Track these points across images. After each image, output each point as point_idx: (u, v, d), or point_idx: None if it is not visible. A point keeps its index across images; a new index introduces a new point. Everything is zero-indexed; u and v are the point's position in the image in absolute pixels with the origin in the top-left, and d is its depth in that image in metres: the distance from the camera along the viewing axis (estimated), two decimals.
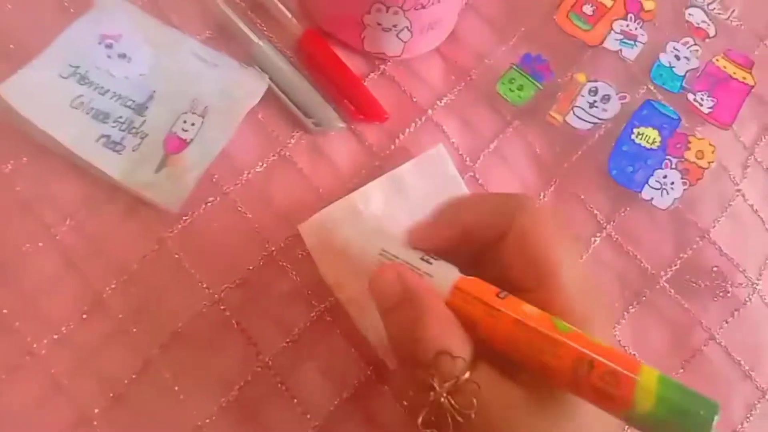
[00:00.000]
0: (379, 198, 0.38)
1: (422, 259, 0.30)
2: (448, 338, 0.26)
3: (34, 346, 0.35)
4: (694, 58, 0.45)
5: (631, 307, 0.40)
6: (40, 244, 0.36)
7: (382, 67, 0.43)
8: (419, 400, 0.25)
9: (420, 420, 0.25)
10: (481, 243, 0.29)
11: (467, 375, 0.25)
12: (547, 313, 0.26)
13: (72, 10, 0.39)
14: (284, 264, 0.38)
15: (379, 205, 0.38)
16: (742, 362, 0.40)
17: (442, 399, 0.24)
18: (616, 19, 0.44)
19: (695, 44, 0.45)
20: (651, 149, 0.42)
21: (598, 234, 0.41)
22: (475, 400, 0.24)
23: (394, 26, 0.39)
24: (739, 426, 0.39)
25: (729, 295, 0.41)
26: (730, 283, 0.41)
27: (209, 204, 0.38)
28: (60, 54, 0.38)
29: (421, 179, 0.39)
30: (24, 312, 0.35)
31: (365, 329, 0.36)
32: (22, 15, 0.40)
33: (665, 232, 0.42)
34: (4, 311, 0.35)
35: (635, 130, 0.42)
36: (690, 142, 0.43)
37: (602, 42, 0.44)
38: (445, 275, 0.29)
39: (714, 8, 0.46)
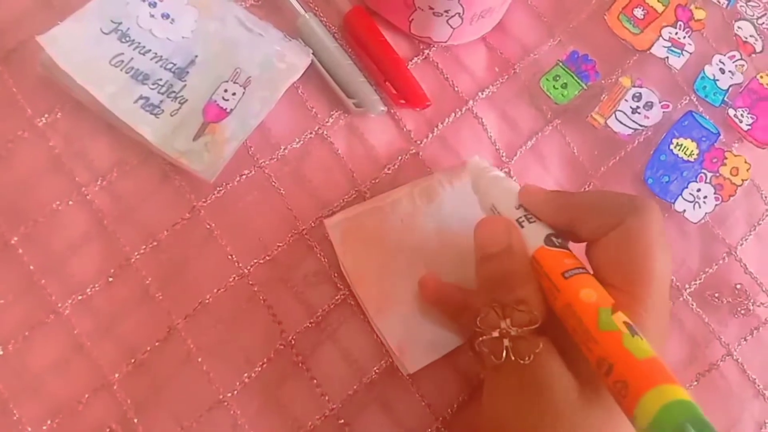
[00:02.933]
0: (408, 204, 0.38)
1: (518, 219, 0.32)
2: (532, 296, 0.29)
3: (59, 305, 0.35)
4: (739, 72, 0.45)
5: None
6: (70, 203, 0.36)
7: (426, 51, 0.43)
8: (482, 333, 0.29)
9: (476, 345, 0.29)
10: (581, 237, 0.31)
11: (534, 327, 0.28)
12: (607, 305, 0.27)
13: None
14: (313, 244, 0.38)
15: (406, 211, 0.38)
16: (757, 381, 0.41)
17: (506, 340, 0.28)
18: (665, 26, 0.44)
19: (741, 59, 0.45)
20: (688, 161, 0.42)
21: None
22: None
23: (446, 11, 0.39)
24: None
25: (750, 313, 0.42)
26: (752, 301, 0.42)
27: (244, 176, 0.38)
28: (103, 8, 0.37)
29: (451, 189, 0.39)
30: (50, 270, 0.35)
31: (383, 330, 0.36)
32: None
33: (693, 246, 0.42)
34: (31, 267, 0.35)
35: (674, 141, 0.43)
36: (726, 158, 0.43)
37: (650, 48, 0.44)
38: (529, 241, 0.31)
39: (764, 23, 0.46)
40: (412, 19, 0.41)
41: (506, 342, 0.28)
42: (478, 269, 0.32)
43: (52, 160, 0.37)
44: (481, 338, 0.29)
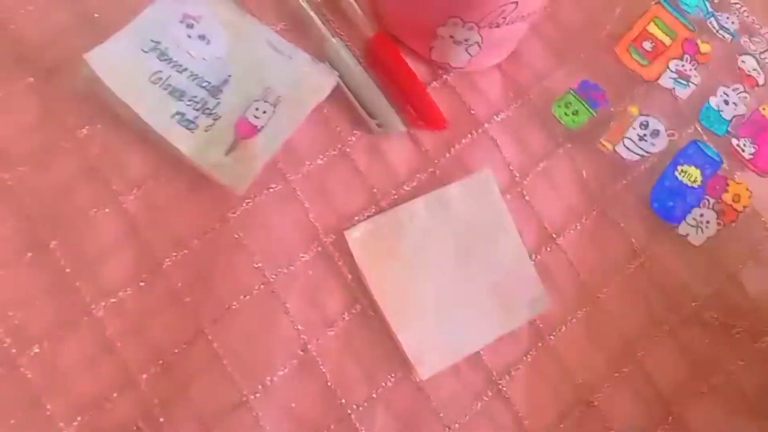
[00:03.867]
0: (425, 214, 0.41)
1: None
2: None
3: (92, 307, 0.37)
4: (742, 104, 0.47)
5: (655, 334, 0.43)
6: (107, 210, 0.39)
7: (444, 76, 0.45)
8: None
9: None
10: None
11: None
12: None
13: None
14: (334, 255, 0.40)
15: (424, 221, 0.41)
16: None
17: None
18: (673, 59, 0.47)
19: (744, 91, 0.48)
20: (692, 187, 0.45)
21: (633, 261, 0.44)
22: None
23: (466, 40, 0.42)
24: None
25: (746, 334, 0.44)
26: (749, 323, 0.44)
27: (271, 189, 0.40)
28: (143, 29, 0.40)
29: (465, 200, 0.42)
30: (85, 273, 0.38)
31: (402, 339, 0.39)
32: None
33: (695, 268, 0.44)
34: (67, 270, 0.37)
35: (679, 167, 0.45)
36: (728, 185, 0.45)
37: (658, 78, 0.46)
38: None
39: (766, 57, 0.49)
40: (433, 47, 0.44)
41: None
42: None
43: (91, 169, 0.39)
44: None
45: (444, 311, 0.39)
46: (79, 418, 0.36)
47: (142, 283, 0.38)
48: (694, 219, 0.45)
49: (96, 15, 0.41)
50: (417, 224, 0.41)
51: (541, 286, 0.42)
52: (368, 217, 0.41)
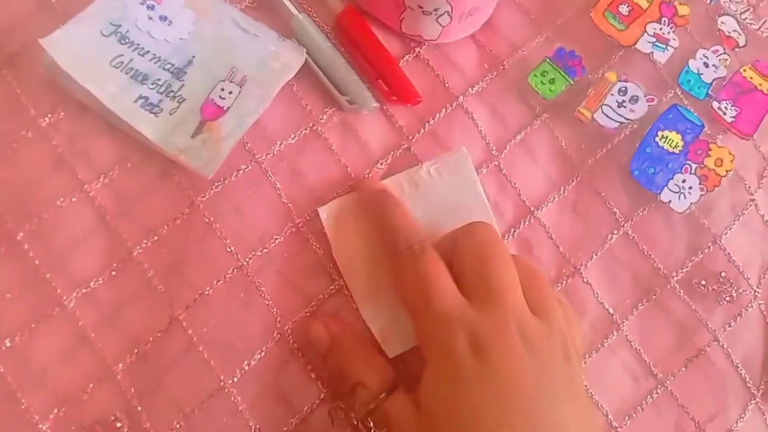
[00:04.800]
0: (396, 193, 0.41)
1: None
2: (364, 374, 0.35)
3: (64, 298, 0.37)
4: (723, 66, 0.47)
5: (640, 304, 0.43)
6: (74, 200, 0.38)
7: (417, 50, 0.45)
8: (347, 422, 0.33)
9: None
10: None
11: (380, 399, 0.33)
12: None
13: None
14: (308, 236, 0.40)
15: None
16: (739, 365, 0.43)
17: (355, 422, 0.33)
18: (650, 22, 0.47)
19: (724, 53, 0.47)
20: (673, 153, 0.45)
21: (616, 231, 0.44)
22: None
23: (435, 10, 0.41)
24: (734, 425, 0.42)
25: (734, 300, 0.44)
26: (735, 289, 0.44)
27: (241, 171, 0.40)
28: (102, 11, 0.40)
29: (439, 179, 0.42)
30: (55, 265, 0.37)
31: (367, 317, 0.39)
32: None
33: (680, 235, 0.45)
34: (36, 262, 0.37)
35: (660, 133, 0.45)
36: (711, 150, 0.45)
37: (635, 43, 0.46)
38: None
39: (746, 18, 0.49)
40: (403, 18, 0.43)
41: (359, 425, 0.33)
42: (325, 372, 0.38)
43: (56, 158, 0.39)
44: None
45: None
46: (55, 411, 0.36)
47: (113, 273, 0.38)
48: (677, 185, 0.44)
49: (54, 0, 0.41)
50: None
51: None
52: (342, 196, 0.41)
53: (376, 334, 0.38)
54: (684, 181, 0.45)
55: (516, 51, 0.46)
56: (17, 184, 0.38)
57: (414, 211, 0.41)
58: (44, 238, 0.38)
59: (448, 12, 0.42)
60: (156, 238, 0.39)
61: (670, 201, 0.44)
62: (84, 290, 0.37)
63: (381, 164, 0.42)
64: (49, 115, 0.39)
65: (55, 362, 0.37)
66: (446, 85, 0.44)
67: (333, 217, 0.40)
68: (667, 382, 0.43)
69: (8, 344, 0.36)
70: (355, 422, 0.33)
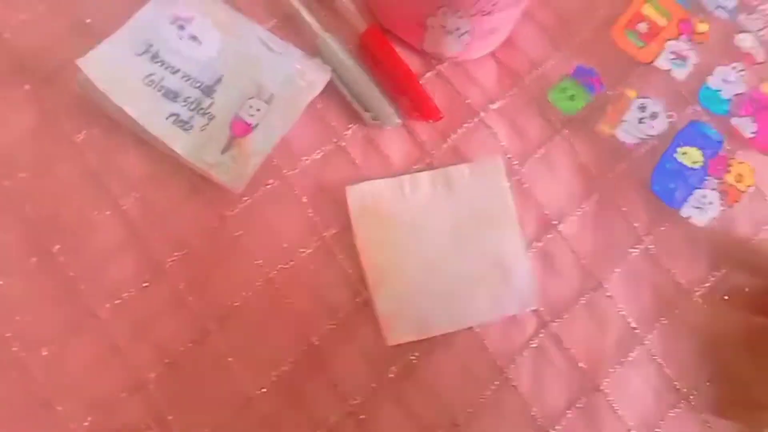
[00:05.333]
0: (428, 188, 0.43)
1: None
2: None
3: (96, 309, 0.39)
4: (741, 82, 0.48)
5: (663, 318, 0.44)
6: (108, 213, 0.40)
7: (438, 67, 0.46)
8: None
9: None
10: None
11: None
12: None
13: None
14: (335, 249, 0.41)
15: (425, 195, 0.42)
16: None
17: None
18: (669, 39, 0.48)
19: (743, 69, 0.48)
20: (693, 168, 0.45)
21: (637, 245, 0.44)
22: None
23: (457, 29, 0.43)
24: None
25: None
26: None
27: (269, 186, 0.41)
28: (135, 32, 0.41)
29: (472, 183, 0.43)
30: (89, 276, 0.39)
31: (375, 300, 0.40)
32: None
33: (701, 250, 0.45)
34: (71, 274, 0.39)
35: (679, 149, 0.45)
36: (731, 165, 0.46)
37: (654, 60, 0.47)
38: None
39: (763, 34, 0.49)
40: (425, 37, 0.44)
41: None
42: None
43: (89, 173, 0.40)
44: None
45: (426, 285, 0.41)
46: (89, 419, 0.37)
47: (145, 284, 0.39)
48: (697, 200, 0.45)
49: (88, 20, 0.42)
50: (418, 196, 0.43)
51: (535, 283, 0.43)
52: None
53: (381, 319, 0.40)
54: (704, 196, 0.45)
55: (535, 67, 0.47)
56: (52, 198, 0.40)
57: (442, 209, 0.42)
58: (78, 251, 0.39)
59: (469, 31, 0.43)
60: (186, 251, 0.40)
61: (690, 216, 0.45)
62: (116, 301, 0.39)
63: None
64: (84, 132, 0.41)
65: (88, 371, 0.38)
66: (467, 101, 0.46)
67: (360, 198, 0.42)
68: (690, 397, 0.43)
69: (44, 353, 0.38)
70: None
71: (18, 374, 0.37)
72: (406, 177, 0.43)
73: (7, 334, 0.37)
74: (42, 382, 0.37)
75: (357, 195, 0.41)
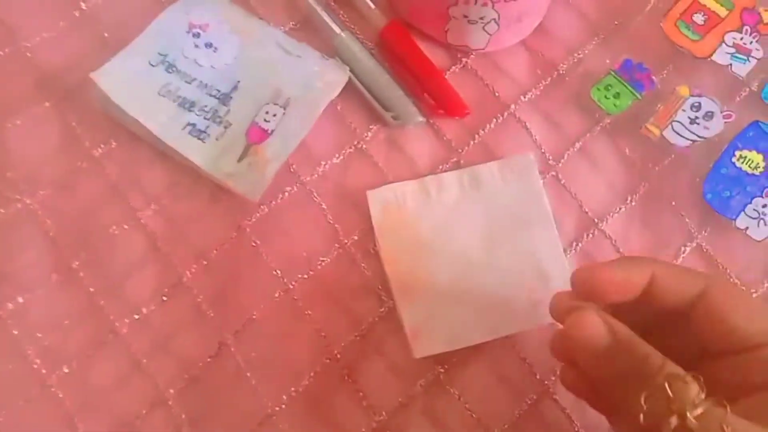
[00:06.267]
0: (455, 189, 0.40)
1: None
2: (674, 367, 0.27)
3: (117, 324, 0.38)
4: None
5: None
6: (126, 227, 0.40)
7: (464, 60, 0.44)
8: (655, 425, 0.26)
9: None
10: (664, 305, 0.30)
11: (702, 396, 0.25)
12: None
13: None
14: (356, 257, 0.40)
15: (452, 196, 0.40)
16: None
17: (690, 421, 0.25)
18: (729, 31, 0.44)
19: None
20: (752, 175, 0.41)
21: (689, 243, 0.41)
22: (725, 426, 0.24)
23: (481, 18, 0.41)
24: None
25: None
26: None
27: (287, 193, 0.40)
28: (150, 42, 0.41)
29: (502, 182, 0.40)
30: (109, 291, 0.39)
31: (400, 310, 0.38)
32: (116, 3, 0.43)
33: (759, 250, 0.41)
34: (91, 290, 0.39)
35: (737, 153, 0.41)
36: None
37: (711, 54, 0.43)
38: None
39: None
40: (448, 29, 0.42)
41: (694, 425, 0.25)
42: (601, 370, 0.29)
43: (109, 187, 0.40)
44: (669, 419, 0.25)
45: (457, 293, 0.38)
46: None
47: (164, 298, 0.39)
48: (756, 210, 0.41)
49: (105, 35, 0.43)
50: (444, 198, 0.40)
51: None
52: None
53: (408, 330, 0.38)
54: (765, 206, 0.41)
55: (571, 54, 0.44)
56: (72, 213, 0.40)
57: (472, 210, 0.40)
58: (98, 266, 0.39)
59: (495, 19, 0.41)
60: (205, 262, 0.39)
61: (747, 228, 0.41)
62: (136, 316, 0.39)
63: None
64: (102, 146, 0.41)
65: (109, 387, 0.38)
66: (496, 94, 0.43)
67: (382, 202, 0.40)
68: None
69: (66, 370, 0.38)
70: (689, 422, 0.25)
71: (39, 391, 0.37)
72: (431, 177, 0.40)
73: (29, 351, 0.37)
74: (64, 400, 0.37)
75: (378, 199, 0.40)
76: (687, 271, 0.30)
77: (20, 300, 0.38)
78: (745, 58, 0.43)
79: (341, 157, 0.41)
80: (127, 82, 0.40)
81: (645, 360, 0.27)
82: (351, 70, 0.42)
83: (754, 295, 0.40)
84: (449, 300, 0.38)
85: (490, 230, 0.40)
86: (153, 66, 0.41)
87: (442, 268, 0.39)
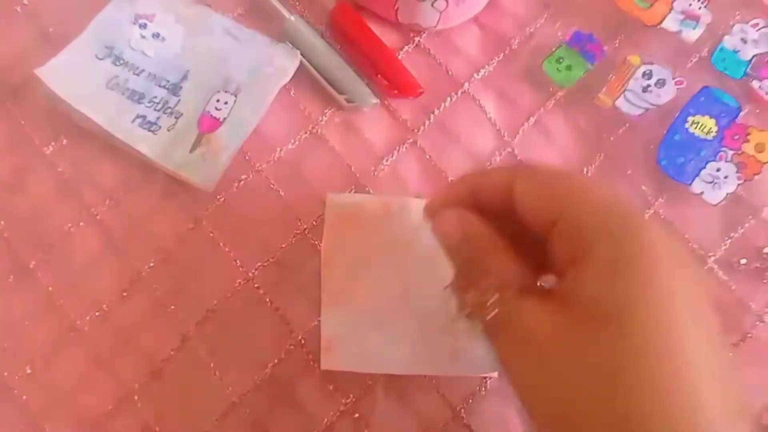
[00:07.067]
0: (416, 217, 0.38)
1: None
2: (498, 264, 0.29)
3: (77, 322, 0.38)
4: (764, 41, 0.44)
5: None
6: (82, 224, 0.40)
7: (416, 39, 0.44)
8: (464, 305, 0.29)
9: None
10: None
11: (497, 297, 0.28)
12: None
13: None
14: (315, 242, 0.40)
15: (413, 222, 0.39)
16: None
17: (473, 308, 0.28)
18: None
19: (766, 26, 0.44)
20: (705, 140, 0.42)
21: (646, 211, 0.42)
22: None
23: None
24: None
25: None
26: None
27: (242, 182, 0.40)
28: (96, 35, 0.41)
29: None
30: (67, 290, 0.39)
31: (324, 319, 0.38)
32: None
33: (715, 212, 0.42)
34: (50, 289, 0.39)
35: (690, 119, 0.42)
36: (750, 134, 0.42)
37: (661, 22, 0.43)
38: None
39: None
40: (398, 8, 0.42)
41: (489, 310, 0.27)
42: (451, 260, 0.32)
43: (61, 185, 0.40)
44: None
45: (381, 318, 0.37)
46: None
47: (124, 293, 0.39)
48: (710, 175, 0.41)
49: (51, 29, 0.42)
50: (404, 221, 0.39)
51: None
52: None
53: (323, 340, 0.38)
54: (718, 169, 0.41)
55: (523, 29, 0.45)
56: (26, 213, 0.40)
57: (427, 243, 0.34)
58: (56, 265, 0.39)
59: None
60: (163, 256, 0.39)
61: (702, 192, 0.41)
62: (97, 313, 0.39)
63: (387, 161, 0.42)
64: (53, 143, 0.40)
65: (73, 386, 0.38)
66: (450, 72, 0.43)
67: (338, 209, 0.39)
68: None
69: (28, 371, 0.38)
70: (474, 308, 0.28)
71: (2, 395, 0.37)
72: (396, 199, 0.40)
73: None
74: (27, 402, 0.37)
75: (337, 202, 0.39)
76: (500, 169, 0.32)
77: None
78: (695, 23, 0.44)
79: (296, 143, 0.41)
80: (74, 76, 0.40)
81: (474, 264, 0.30)
82: (302, 54, 0.42)
83: (712, 259, 0.41)
84: (373, 322, 0.38)
85: (436, 268, 0.35)
86: (100, 59, 0.40)
87: (376, 288, 0.38)
